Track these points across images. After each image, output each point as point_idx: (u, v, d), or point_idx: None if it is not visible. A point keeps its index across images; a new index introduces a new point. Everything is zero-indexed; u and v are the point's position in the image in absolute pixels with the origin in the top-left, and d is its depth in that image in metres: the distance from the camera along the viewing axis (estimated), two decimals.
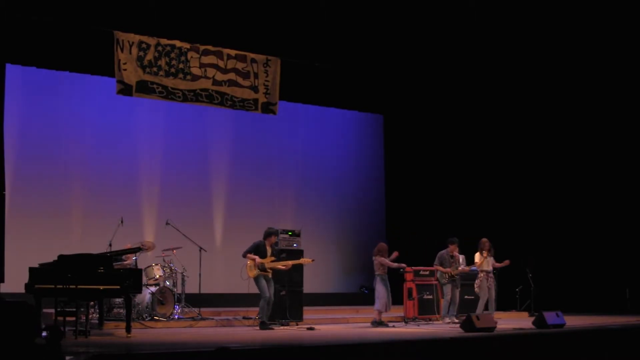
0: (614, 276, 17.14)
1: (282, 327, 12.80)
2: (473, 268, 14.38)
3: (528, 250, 16.77)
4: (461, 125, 18.38)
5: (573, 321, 13.17)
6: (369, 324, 13.19)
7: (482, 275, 14.08)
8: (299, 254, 13.47)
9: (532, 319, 12.89)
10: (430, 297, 14.52)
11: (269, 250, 12.65)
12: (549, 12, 16.08)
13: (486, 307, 14.04)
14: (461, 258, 14.66)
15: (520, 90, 17.83)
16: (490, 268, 14.11)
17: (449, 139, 18.51)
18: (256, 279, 12.47)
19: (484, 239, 14.19)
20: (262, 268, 12.45)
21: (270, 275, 12.56)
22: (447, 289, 13.93)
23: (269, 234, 12.76)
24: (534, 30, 16.62)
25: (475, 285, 14.17)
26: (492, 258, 14.17)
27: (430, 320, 14.23)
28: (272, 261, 12.58)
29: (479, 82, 17.97)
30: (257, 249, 12.59)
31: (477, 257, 14.17)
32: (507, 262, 14.25)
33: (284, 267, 12.81)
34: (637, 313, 15.65)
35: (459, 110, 18.34)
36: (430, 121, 18.65)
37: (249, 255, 12.55)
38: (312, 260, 13.10)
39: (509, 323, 13.29)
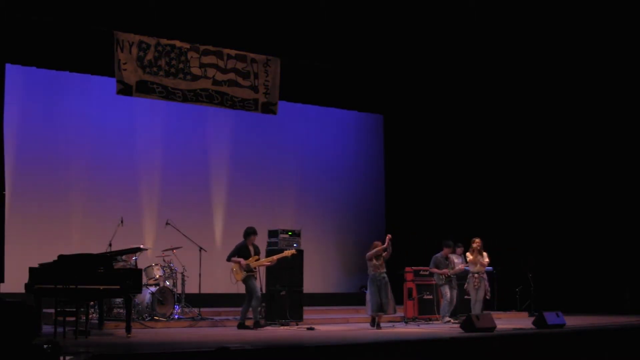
0: (614, 276, 17.14)
1: (282, 327, 12.80)
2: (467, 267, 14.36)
3: (528, 250, 16.77)
4: (461, 125, 18.38)
5: (573, 321, 13.17)
6: (369, 324, 13.16)
7: (469, 275, 14.04)
8: (297, 252, 13.46)
9: (532, 319, 12.88)
10: (430, 297, 14.53)
11: (251, 249, 12.71)
12: (549, 12, 16.08)
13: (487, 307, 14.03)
14: (460, 259, 14.65)
15: (520, 90, 17.82)
16: (477, 268, 13.99)
17: (449, 138, 18.52)
18: (245, 281, 12.52)
19: (475, 238, 14.09)
20: (248, 269, 12.52)
21: (256, 275, 12.63)
22: (445, 289, 13.92)
23: (248, 233, 12.78)
24: (534, 30, 16.62)
25: (465, 286, 14.13)
26: (481, 257, 14.02)
27: (430, 320, 14.23)
28: (257, 260, 12.65)
29: (479, 82, 17.97)
30: (241, 251, 12.66)
31: (469, 255, 14.03)
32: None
33: (270, 263, 12.92)
34: (637, 313, 15.65)
35: (459, 110, 18.34)
36: (431, 121, 18.65)
37: (233, 259, 12.60)
38: (295, 252, 13.13)
39: (509, 323, 13.28)
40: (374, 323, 12.83)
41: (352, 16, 15.77)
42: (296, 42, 15.92)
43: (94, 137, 15.70)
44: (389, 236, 12.96)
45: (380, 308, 12.76)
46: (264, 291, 13.13)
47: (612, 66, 16.98)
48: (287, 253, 13.06)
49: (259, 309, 12.58)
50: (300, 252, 13.58)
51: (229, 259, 12.68)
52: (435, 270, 14.04)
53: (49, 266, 10.56)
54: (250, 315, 12.71)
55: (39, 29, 13.92)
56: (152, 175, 16.29)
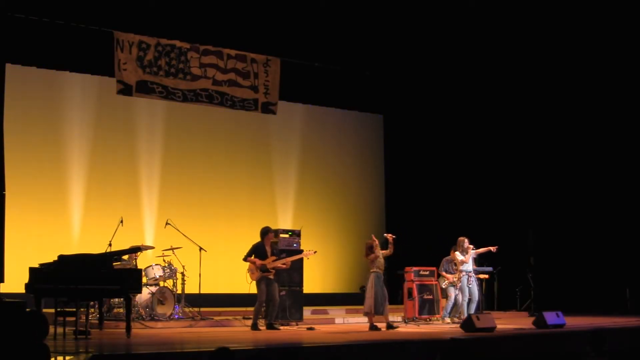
0: (614, 276, 17.13)
1: (282, 327, 12.77)
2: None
3: (528, 250, 16.76)
4: (461, 125, 18.38)
5: (573, 321, 13.16)
6: (369, 324, 13.08)
7: (462, 274, 13.87)
8: (299, 253, 13.44)
9: (532, 319, 12.88)
10: (430, 297, 14.52)
11: (268, 250, 12.52)
12: (549, 12, 16.08)
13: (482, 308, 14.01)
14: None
15: (520, 90, 17.83)
16: (470, 268, 13.98)
17: (449, 138, 18.51)
18: (257, 283, 12.40)
19: (464, 238, 13.95)
20: (263, 269, 12.34)
21: (272, 276, 12.43)
22: (450, 291, 13.92)
23: (265, 232, 12.62)
24: (534, 31, 16.61)
25: (457, 287, 13.83)
26: (471, 257, 13.96)
27: (430, 320, 14.23)
28: (274, 261, 12.46)
29: (479, 81, 17.97)
30: (257, 251, 12.49)
31: (459, 255, 13.83)
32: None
33: (284, 266, 12.71)
34: (637, 313, 15.64)
35: (459, 110, 18.34)
36: (431, 121, 18.64)
37: (249, 259, 12.46)
38: (315, 252, 12.98)
39: (509, 323, 13.27)
40: (372, 326, 12.26)
41: (352, 16, 15.77)
42: (296, 42, 15.92)
43: (94, 137, 15.69)
44: (390, 236, 12.58)
45: (380, 309, 12.29)
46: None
47: (610, 65, 16.97)
48: (302, 255, 12.95)
49: (260, 312, 12.40)
50: (300, 252, 13.54)
51: (245, 259, 12.50)
52: (445, 274, 14.09)
53: (49, 266, 10.57)
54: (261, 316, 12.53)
55: (39, 29, 13.92)
56: (152, 175, 16.29)
